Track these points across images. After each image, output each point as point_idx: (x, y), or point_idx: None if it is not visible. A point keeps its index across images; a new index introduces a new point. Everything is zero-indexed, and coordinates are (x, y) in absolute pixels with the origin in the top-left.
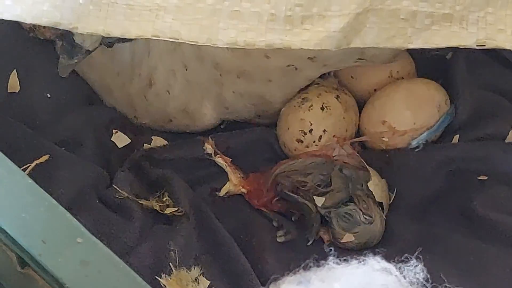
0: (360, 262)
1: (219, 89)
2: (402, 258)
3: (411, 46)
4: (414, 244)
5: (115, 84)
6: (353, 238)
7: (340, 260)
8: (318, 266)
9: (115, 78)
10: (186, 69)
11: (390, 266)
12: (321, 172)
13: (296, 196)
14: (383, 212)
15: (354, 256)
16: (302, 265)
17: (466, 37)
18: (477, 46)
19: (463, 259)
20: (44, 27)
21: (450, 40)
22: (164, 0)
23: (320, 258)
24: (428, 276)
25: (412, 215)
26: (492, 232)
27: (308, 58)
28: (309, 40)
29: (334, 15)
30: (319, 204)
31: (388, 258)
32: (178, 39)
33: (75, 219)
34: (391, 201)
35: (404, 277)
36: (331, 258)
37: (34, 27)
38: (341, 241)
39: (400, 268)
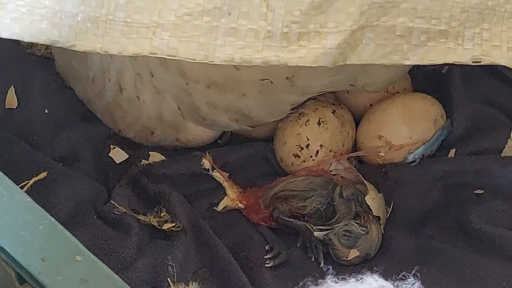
0: (358, 280)
1: (188, 98)
2: (400, 276)
3: (407, 63)
4: (411, 258)
5: (93, 92)
6: (359, 253)
7: (338, 278)
8: (316, 285)
9: (92, 86)
10: (152, 76)
11: (388, 284)
12: (320, 195)
13: (293, 220)
14: (381, 226)
15: (352, 274)
16: (301, 283)
17: (462, 53)
18: (472, 62)
19: (459, 273)
20: (42, 44)
21: (446, 57)
22: (161, 18)
23: (318, 276)
24: None
25: (409, 229)
26: (488, 245)
27: (287, 78)
28: (306, 57)
29: (330, 32)
30: (320, 237)
31: (385, 276)
32: (175, 56)
33: (74, 237)
34: (388, 215)
35: None
36: (329, 276)
37: (31, 44)
38: (347, 259)
39: (397, 286)
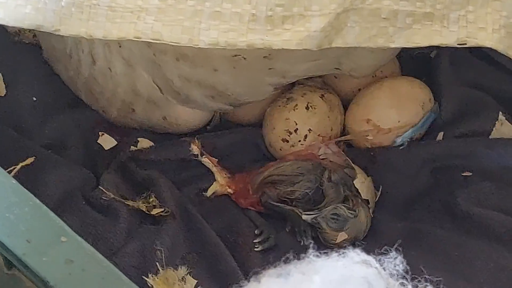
0: (340, 254)
1: (159, 70)
2: (382, 250)
3: (392, 45)
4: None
5: (72, 70)
6: (347, 236)
7: (320, 253)
8: (298, 259)
9: (70, 62)
10: (120, 46)
11: (370, 259)
12: (308, 179)
13: (281, 205)
14: (369, 210)
15: (334, 249)
16: (283, 258)
17: (447, 35)
18: (458, 44)
19: (447, 254)
20: (29, 30)
21: (431, 39)
22: (145, 2)
23: (300, 251)
24: (408, 268)
25: (397, 212)
26: (475, 227)
27: (264, 57)
28: (290, 40)
29: (314, 15)
30: (308, 220)
31: (368, 250)
32: (160, 40)
33: (59, 219)
34: (376, 199)
35: (384, 269)
36: (311, 251)
37: (19, 31)
38: (336, 242)
39: (380, 260)
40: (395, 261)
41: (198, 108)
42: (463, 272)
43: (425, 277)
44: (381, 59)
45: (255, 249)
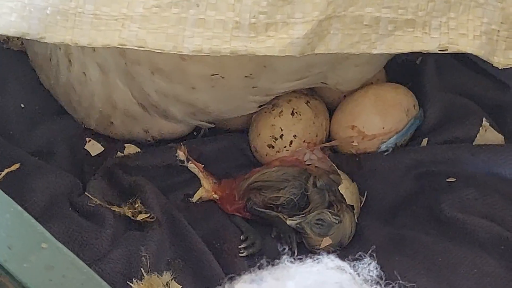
0: (315, 260)
1: (133, 82)
2: (356, 256)
3: (375, 52)
4: (384, 247)
5: (52, 75)
6: (331, 241)
7: (295, 258)
8: (273, 265)
9: (50, 66)
10: (94, 50)
11: (344, 264)
12: (293, 185)
13: (266, 211)
14: (354, 215)
15: (309, 255)
16: (258, 264)
17: (429, 42)
18: (439, 50)
19: (431, 260)
20: (18, 38)
21: (413, 45)
22: (130, 10)
23: (274, 257)
24: (382, 273)
25: (382, 218)
26: (460, 233)
27: (246, 76)
28: (273, 47)
29: (297, 22)
30: (293, 225)
31: (342, 256)
32: (144, 48)
33: (40, 225)
34: (361, 204)
35: (358, 274)
36: (285, 257)
37: (8, 38)
38: (320, 247)
39: (354, 266)
40: (369, 267)
41: (179, 124)
42: (447, 278)
43: (399, 282)
44: (366, 72)
45: (240, 255)
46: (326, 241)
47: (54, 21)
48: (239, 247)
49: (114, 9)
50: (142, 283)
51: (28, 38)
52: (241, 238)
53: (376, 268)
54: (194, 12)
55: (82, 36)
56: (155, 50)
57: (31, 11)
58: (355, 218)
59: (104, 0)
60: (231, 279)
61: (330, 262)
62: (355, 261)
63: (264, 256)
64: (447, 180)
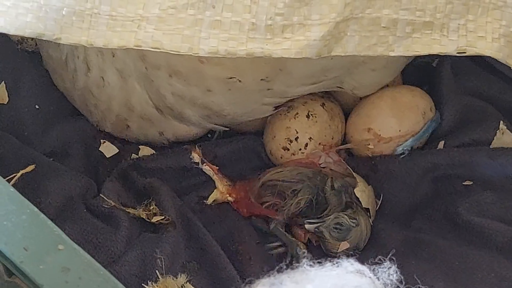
0: (334, 264)
1: (151, 85)
2: (376, 260)
3: (392, 54)
4: (400, 250)
5: (68, 79)
6: (349, 245)
7: (314, 262)
8: (292, 268)
9: (66, 71)
10: (114, 56)
11: (364, 268)
12: (309, 186)
13: (287, 235)
14: (370, 219)
15: (328, 258)
16: (277, 267)
17: (447, 44)
18: (457, 53)
19: (448, 264)
20: (32, 39)
21: (431, 48)
22: (146, 11)
23: (293, 261)
24: (402, 277)
25: (398, 221)
26: (477, 237)
27: (261, 79)
28: (290, 49)
29: (314, 24)
30: (311, 230)
31: (361, 260)
32: (160, 49)
33: (56, 227)
34: (377, 208)
35: (378, 278)
36: (305, 260)
37: (22, 39)
38: (338, 251)
39: (374, 270)
40: (389, 271)
41: (194, 126)
42: (464, 282)
43: (420, 286)
44: (383, 77)
45: (269, 252)
46: (344, 245)
47: (69, 22)
48: (268, 244)
49: (130, 10)
50: (157, 286)
51: (43, 39)
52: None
53: (396, 272)
54: (210, 14)
55: (98, 37)
56: (171, 52)
57: (47, 12)
58: (370, 221)
59: (120, 1)
60: (250, 282)
61: (349, 266)
62: (374, 265)
63: (265, 264)
64: (463, 183)
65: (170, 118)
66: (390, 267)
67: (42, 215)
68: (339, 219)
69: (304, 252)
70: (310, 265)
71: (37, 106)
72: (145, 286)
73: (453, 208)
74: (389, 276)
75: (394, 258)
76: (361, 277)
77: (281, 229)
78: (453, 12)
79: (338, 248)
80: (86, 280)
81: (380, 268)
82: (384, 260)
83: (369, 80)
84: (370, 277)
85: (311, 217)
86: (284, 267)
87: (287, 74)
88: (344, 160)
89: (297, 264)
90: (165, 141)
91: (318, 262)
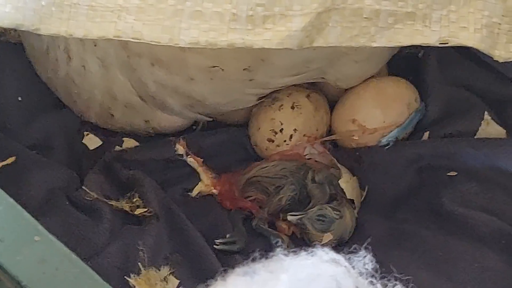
0: (309, 253)
1: (133, 74)
2: (351, 249)
3: (374, 45)
4: (384, 241)
5: (50, 68)
6: (332, 237)
7: (289, 251)
8: (267, 257)
9: (48, 60)
10: (95, 45)
11: (339, 257)
12: (291, 182)
13: (270, 230)
14: (355, 210)
15: (303, 247)
16: (251, 257)
17: (429, 35)
18: (440, 44)
19: (432, 255)
20: (15, 30)
21: (413, 38)
22: (126, 1)
23: (268, 249)
24: (377, 266)
25: (382, 212)
26: (460, 227)
27: (244, 69)
28: (271, 39)
29: (295, 15)
30: (294, 222)
31: (337, 249)
32: (140, 40)
33: (33, 218)
34: (362, 199)
35: (353, 267)
36: (279, 249)
37: (5, 31)
38: (321, 243)
39: (349, 259)
40: (365, 260)
41: (177, 115)
42: (447, 272)
43: (395, 275)
44: (366, 69)
45: (214, 246)
46: (327, 237)
47: (49, 12)
48: (216, 240)
49: (110, 0)
50: (139, 278)
51: (22, 29)
52: (227, 236)
53: (372, 261)
54: (191, 4)
55: (78, 28)
56: (151, 42)
57: (26, 2)
58: (355, 212)
59: None
60: (225, 271)
61: (324, 255)
62: (350, 254)
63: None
64: (448, 174)
65: (153, 107)
66: (365, 256)
67: (18, 207)
68: (322, 211)
69: (287, 245)
70: (285, 254)
71: (19, 98)
72: (128, 278)
73: (437, 199)
74: (364, 265)
75: (369, 247)
76: (337, 266)
77: (263, 226)
78: (435, 2)
79: (322, 240)
80: (63, 271)
81: (356, 257)
82: (360, 249)
83: (352, 72)
84: (345, 266)
85: (295, 211)
86: (258, 256)
87: (270, 64)
88: (329, 152)
89: (272, 253)
90: (151, 130)
91: (293, 251)
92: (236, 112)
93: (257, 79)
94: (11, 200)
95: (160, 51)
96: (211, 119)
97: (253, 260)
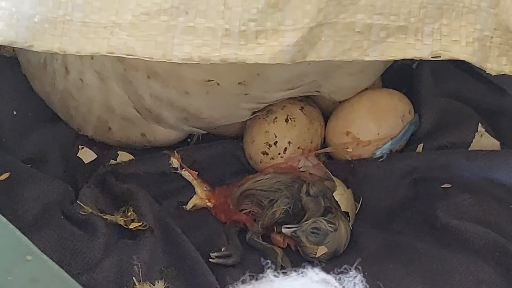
0: (299, 274)
1: (130, 86)
2: (341, 269)
3: (367, 59)
4: (379, 254)
5: (48, 82)
6: (327, 250)
7: (279, 272)
8: (257, 279)
9: (45, 74)
10: (92, 58)
11: (329, 278)
12: (286, 195)
13: (264, 243)
14: (349, 222)
15: (293, 268)
16: (242, 278)
17: (421, 48)
18: (432, 57)
19: (427, 267)
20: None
21: (405, 52)
22: (119, 17)
23: (258, 271)
24: (367, 286)
25: (377, 224)
26: (455, 239)
27: (239, 83)
28: (264, 54)
29: (287, 30)
30: (288, 234)
31: (327, 269)
32: (133, 55)
33: (25, 237)
34: (357, 211)
35: None
36: (269, 271)
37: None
38: (316, 256)
39: (339, 279)
40: (355, 280)
41: (172, 129)
42: (442, 285)
43: None
44: (360, 81)
45: (210, 259)
46: (322, 250)
47: (42, 29)
48: (211, 253)
49: (103, 16)
50: None
51: (16, 46)
52: (222, 249)
53: (362, 281)
54: (183, 20)
55: (71, 44)
56: (144, 58)
57: (19, 19)
58: (350, 225)
59: (93, 8)
60: None
61: (315, 275)
62: (340, 274)
63: (248, 270)
64: (442, 186)
65: (149, 120)
66: (355, 276)
67: (11, 226)
68: (317, 224)
69: (281, 259)
70: (275, 275)
71: (14, 112)
72: None
73: (431, 211)
74: (354, 285)
75: (359, 267)
76: (327, 287)
77: (256, 239)
78: (427, 16)
79: (316, 252)
80: None
81: (346, 277)
82: (350, 269)
83: (346, 85)
84: (335, 287)
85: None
86: (248, 278)
87: (264, 79)
88: (323, 164)
89: (262, 275)
90: (147, 143)
91: (283, 272)
92: (230, 126)
93: (252, 93)
94: (3, 219)
95: (156, 64)
96: (205, 132)
97: (243, 282)
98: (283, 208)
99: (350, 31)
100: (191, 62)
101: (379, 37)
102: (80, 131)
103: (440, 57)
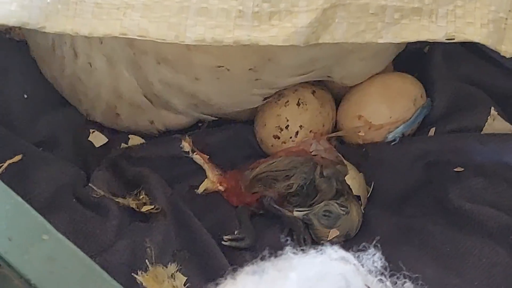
0: (318, 251)
1: (139, 71)
2: (360, 247)
3: (381, 41)
4: (391, 237)
5: (56, 66)
6: (339, 233)
7: (297, 250)
8: (276, 256)
9: (54, 57)
10: (101, 42)
11: (348, 255)
12: (302, 171)
13: (283, 210)
14: (361, 206)
15: (313, 245)
16: (260, 256)
17: (435, 30)
18: (446, 39)
19: (440, 250)
20: (20, 28)
21: (419, 34)
22: None
23: (277, 248)
24: (387, 264)
25: (389, 208)
26: (468, 223)
27: (250, 69)
28: (277, 36)
29: (301, 11)
30: (300, 217)
31: (346, 247)
32: (146, 37)
33: (41, 216)
34: (368, 195)
35: (362, 265)
36: (288, 248)
37: (10, 29)
38: (328, 239)
39: (358, 257)
40: (374, 258)
41: (181, 115)
42: (455, 268)
43: (404, 273)
44: (372, 67)
45: (222, 242)
46: (334, 233)
47: (55, 10)
48: (225, 237)
49: None
50: (147, 275)
51: (28, 27)
52: (235, 232)
53: (381, 259)
54: (197, 1)
55: (83, 25)
56: (157, 40)
57: (32, 0)
58: (362, 209)
59: None
60: (234, 270)
61: (333, 253)
62: (359, 252)
63: (267, 247)
64: (455, 169)
65: (157, 106)
66: (374, 254)
67: (26, 205)
68: (328, 207)
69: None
70: (294, 253)
71: (25, 96)
72: (135, 275)
73: (444, 195)
74: (373, 263)
75: (378, 245)
76: (345, 264)
77: (275, 206)
78: None
79: (328, 235)
80: (71, 270)
81: (365, 255)
82: (369, 247)
83: (358, 70)
84: (354, 264)
85: (301, 206)
86: (267, 254)
87: (276, 64)
88: (335, 148)
89: (281, 252)
90: (155, 130)
91: (302, 250)
92: (241, 112)
93: (263, 79)
94: (19, 198)
95: (166, 49)
96: (216, 119)
97: (262, 258)
98: (299, 183)
99: (364, 13)
100: (204, 44)
101: (393, 18)
102: (88, 117)
103: (454, 39)
